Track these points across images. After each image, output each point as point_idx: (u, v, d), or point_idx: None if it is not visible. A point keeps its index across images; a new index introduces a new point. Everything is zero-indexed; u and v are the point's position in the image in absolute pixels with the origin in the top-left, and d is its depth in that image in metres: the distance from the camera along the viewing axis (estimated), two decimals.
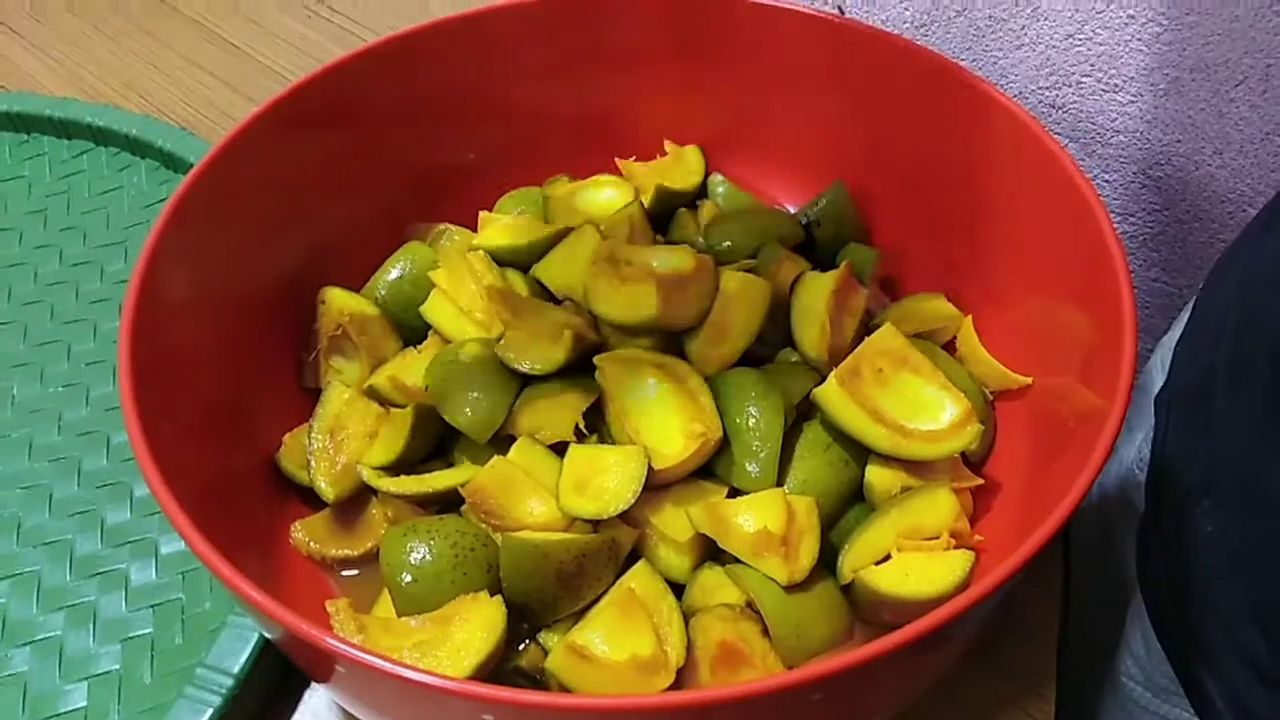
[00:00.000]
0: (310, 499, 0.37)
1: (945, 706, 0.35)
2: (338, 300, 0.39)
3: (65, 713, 0.36)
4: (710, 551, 0.33)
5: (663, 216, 0.43)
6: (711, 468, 0.34)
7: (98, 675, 0.37)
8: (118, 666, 0.37)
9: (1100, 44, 0.52)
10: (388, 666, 0.21)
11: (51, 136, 0.57)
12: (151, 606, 0.39)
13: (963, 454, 0.35)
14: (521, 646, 0.32)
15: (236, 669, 0.34)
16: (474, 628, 0.30)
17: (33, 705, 0.36)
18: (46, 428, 0.45)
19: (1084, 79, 0.53)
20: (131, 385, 0.28)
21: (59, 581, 0.39)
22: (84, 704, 0.36)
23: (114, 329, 0.48)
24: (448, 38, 0.42)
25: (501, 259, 0.40)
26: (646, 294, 0.36)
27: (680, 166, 0.45)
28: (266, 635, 0.31)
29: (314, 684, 0.37)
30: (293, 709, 0.37)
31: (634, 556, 0.33)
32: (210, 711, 0.33)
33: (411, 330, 0.40)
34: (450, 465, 0.36)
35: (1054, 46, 0.54)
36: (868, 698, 0.26)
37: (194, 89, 0.63)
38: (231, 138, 0.37)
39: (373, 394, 0.37)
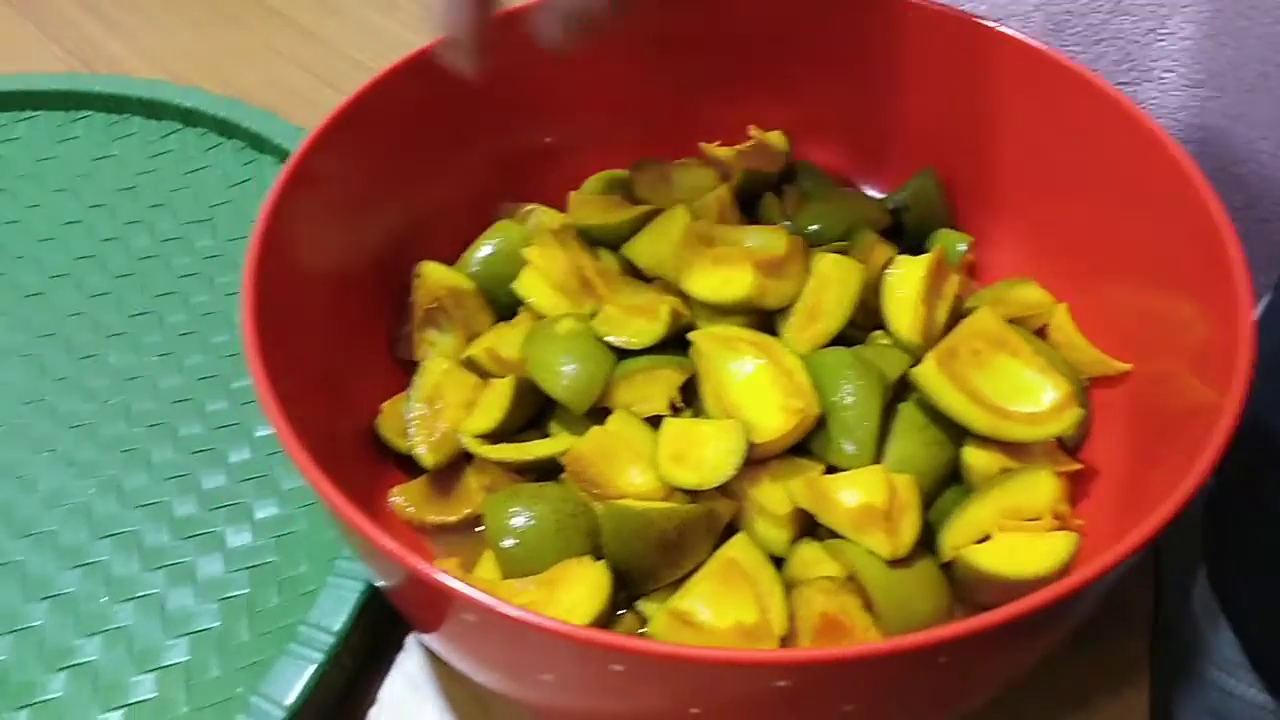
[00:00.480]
0: (405, 467, 0.38)
1: (1042, 694, 0.35)
2: (434, 275, 0.40)
3: (169, 665, 0.37)
4: (807, 527, 0.33)
5: (749, 200, 0.44)
6: (806, 445, 0.35)
7: (198, 632, 0.38)
8: (217, 624, 0.38)
9: (1185, 38, 0.52)
10: (531, 618, 0.22)
11: (141, 117, 0.59)
12: (248, 568, 0.40)
13: (1058, 438, 0.35)
14: (618, 614, 0.33)
15: (338, 627, 0.35)
16: (581, 590, 0.30)
17: (138, 659, 0.37)
18: (143, 394, 0.46)
19: (1166, 74, 0.53)
20: (258, 346, 0.29)
21: (159, 542, 0.41)
22: (186, 658, 0.37)
23: (203, 302, 0.50)
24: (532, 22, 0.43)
25: (592, 237, 0.41)
26: (741, 274, 0.36)
27: (765, 151, 0.45)
28: (379, 584, 0.31)
29: (406, 647, 0.38)
30: (385, 670, 0.37)
31: (728, 530, 0.34)
32: (313, 668, 0.34)
33: (502, 305, 0.41)
34: (544, 436, 0.37)
35: (1135, 41, 0.54)
36: (981, 669, 0.26)
37: (276, 74, 0.65)
38: (330, 121, 0.37)
39: (470, 365, 0.38)
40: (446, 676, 0.37)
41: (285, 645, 0.36)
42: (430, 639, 0.30)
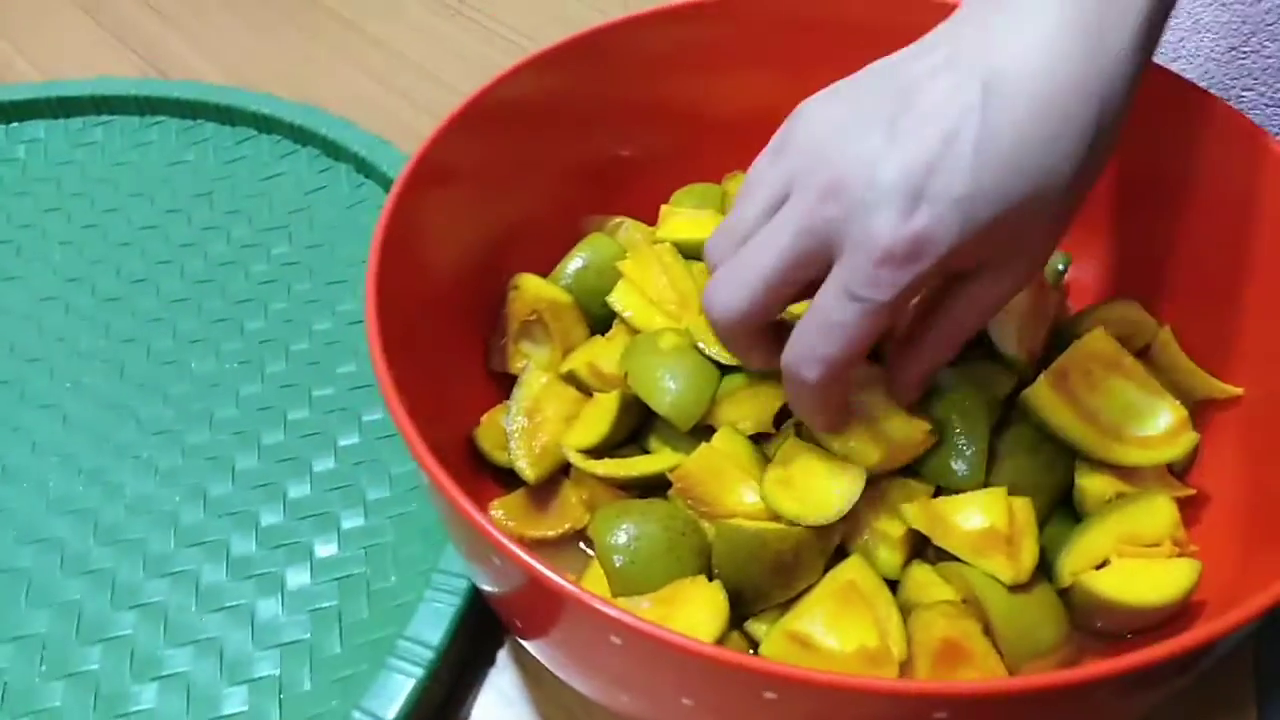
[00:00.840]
0: (500, 479, 0.37)
1: None
2: (532, 287, 0.39)
3: (260, 678, 0.37)
4: (917, 549, 0.33)
5: None
6: (914, 466, 0.34)
7: (288, 644, 0.38)
8: (307, 636, 0.38)
9: (1268, 57, 0.51)
10: (674, 638, 0.22)
11: (215, 123, 0.59)
12: (336, 580, 0.39)
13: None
14: (726, 634, 0.32)
15: (436, 641, 0.35)
16: (699, 610, 0.30)
17: (229, 671, 0.37)
18: (225, 402, 0.46)
19: (1245, 93, 0.52)
20: (386, 363, 0.29)
21: (246, 551, 0.40)
22: (277, 671, 0.37)
23: (282, 310, 0.50)
24: (622, 37, 0.43)
25: (685, 251, 0.41)
26: None
27: None
28: (493, 600, 0.31)
29: (498, 662, 0.37)
30: (478, 687, 0.37)
31: (836, 552, 0.33)
32: (414, 683, 0.34)
33: (594, 318, 0.41)
34: (642, 451, 0.37)
35: (1214, 59, 0.53)
36: (1137, 698, 0.26)
37: (343, 80, 0.65)
38: (433, 139, 0.37)
39: (570, 379, 0.38)
40: (539, 692, 0.37)
41: (379, 659, 0.36)
42: (553, 659, 0.29)
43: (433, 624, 0.35)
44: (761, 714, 0.23)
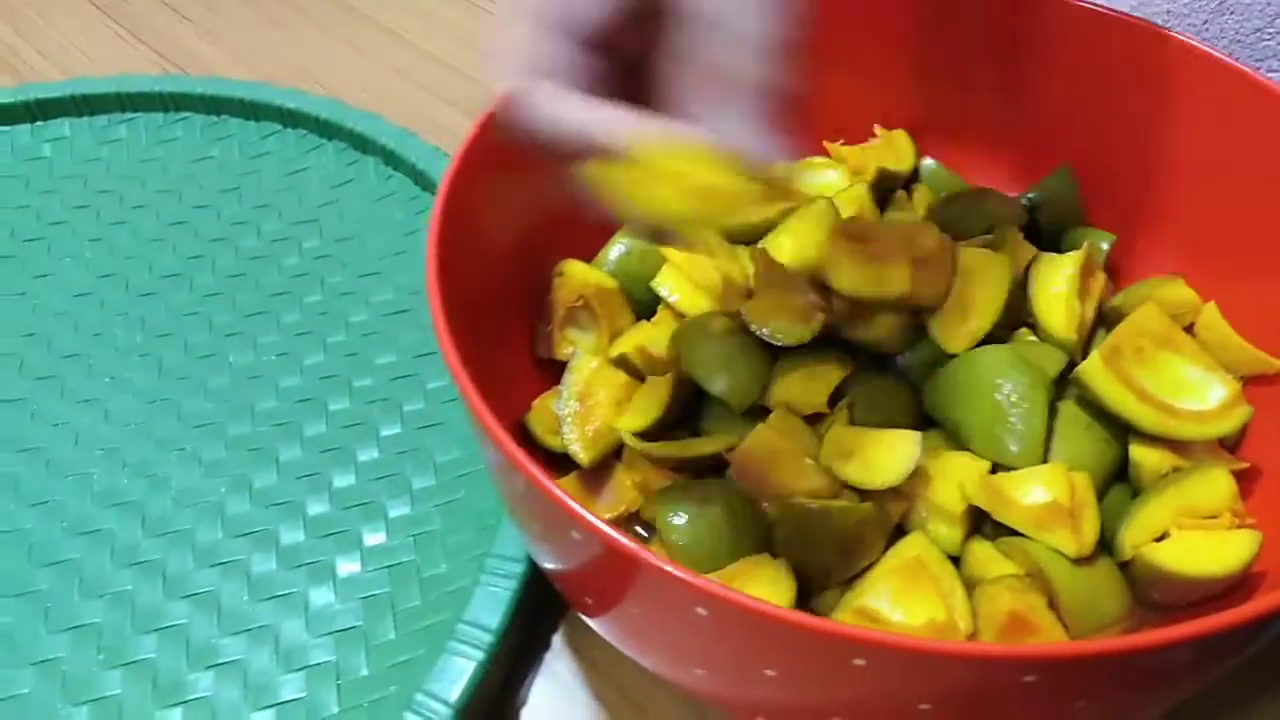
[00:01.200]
0: (551, 463, 0.37)
1: (1200, 693, 0.34)
2: (578, 273, 0.39)
3: (316, 665, 0.37)
4: (975, 525, 0.33)
5: (878, 199, 0.44)
6: (967, 443, 0.34)
7: (342, 631, 0.38)
8: (360, 623, 0.38)
9: None
10: (769, 608, 0.22)
11: (240, 118, 0.59)
12: (386, 568, 0.39)
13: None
14: None
15: (495, 624, 0.35)
16: (766, 588, 0.30)
17: (285, 658, 0.37)
18: (265, 394, 0.46)
19: (1271, 74, 0.52)
20: (450, 336, 0.29)
21: (294, 540, 0.41)
22: (332, 658, 0.37)
23: (317, 302, 0.50)
24: None
25: (728, 235, 0.41)
26: (897, 270, 0.36)
27: (891, 150, 0.45)
28: (559, 576, 0.31)
29: (554, 647, 0.38)
30: (533, 672, 0.37)
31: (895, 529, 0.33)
32: (474, 665, 0.34)
33: (637, 304, 0.41)
34: (691, 433, 0.37)
35: (1239, 41, 0.53)
36: (1213, 664, 0.26)
37: (363, 74, 0.65)
38: (482, 125, 0.37)
39: (620, 363, 0.38)
40: (595, 675, 0.37)
41: (436, 644, 0.36)
42: (625, 635, 0.30)
43: (490, 608, 0.35)
44: (846, 681, 0.24)
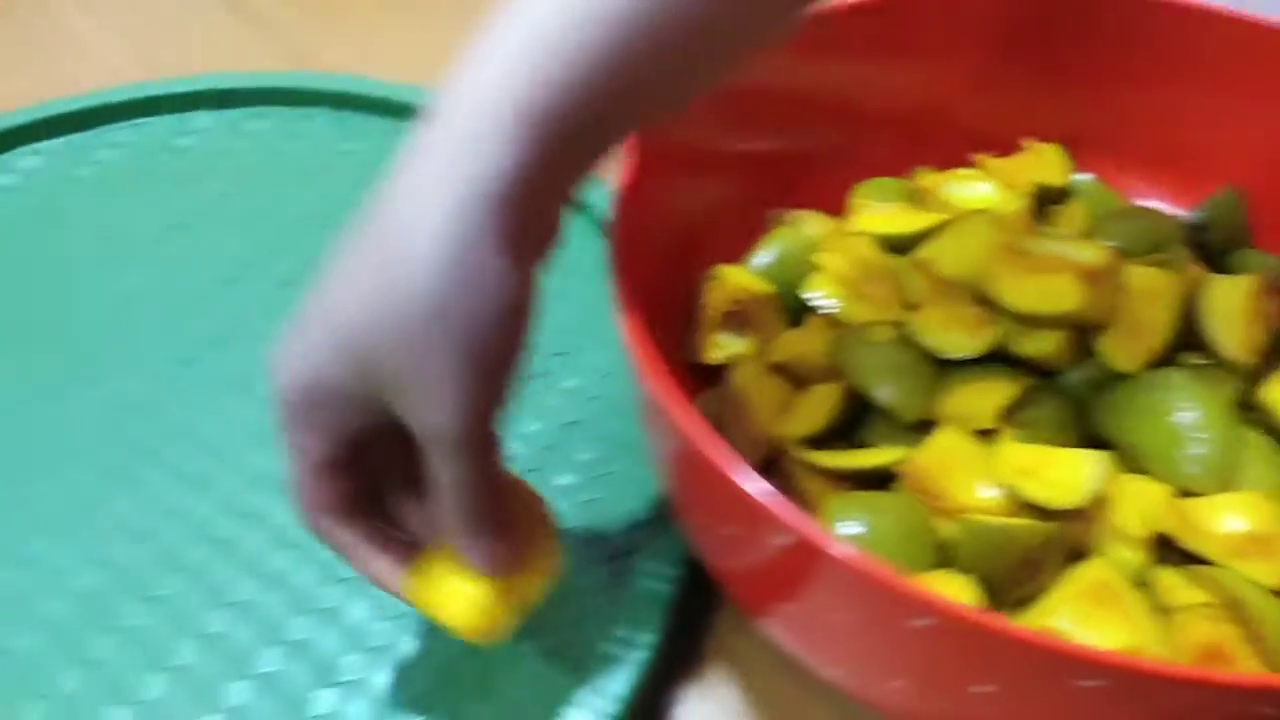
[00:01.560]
0: None
1: None
2: (733, 279, 0.39)
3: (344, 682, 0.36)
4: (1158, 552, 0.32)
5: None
6: (1143, 465, 0.34)
7: (375, 649, 0.36)
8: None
9: None
10: (1005, 625, 0.21)
11: (369, 114, 0.60)
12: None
13: None
14: None
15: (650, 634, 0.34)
16: None
17: (318, 673, 0.37)
18: None
19: None
20: (646, 349, 0.29)
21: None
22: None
23: None
24: (809, 29, 0.43)
25: (886, 244, 0.40)
26: (1067, 285, 0.35)
27: (1041, 163, 0.44)
28: (746, 567, 0.30)
29: (705, 656, 0.37)
30: (683, 682, 0.36)
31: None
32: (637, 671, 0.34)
33: (786, 311, 0.41)
34: (850, 444, 0.36)
35: None
36: None
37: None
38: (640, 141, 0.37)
39: (779, 370, 0.37)
40: (750, 689, 0.36)
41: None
42: (815, 644, 0.29)
43: (647, 612, 0.35)
44: (1068, 703, 0.23)
